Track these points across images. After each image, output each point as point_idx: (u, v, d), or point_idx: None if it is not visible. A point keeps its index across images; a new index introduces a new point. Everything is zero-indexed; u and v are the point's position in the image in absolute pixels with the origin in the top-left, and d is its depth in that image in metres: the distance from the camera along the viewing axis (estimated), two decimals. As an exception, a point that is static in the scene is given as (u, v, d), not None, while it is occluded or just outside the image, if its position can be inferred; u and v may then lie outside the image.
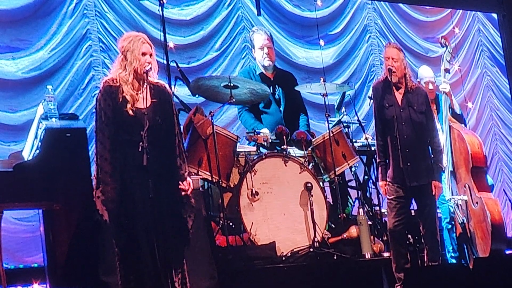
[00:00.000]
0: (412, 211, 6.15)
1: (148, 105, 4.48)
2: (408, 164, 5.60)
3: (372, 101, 6.00)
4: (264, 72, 6.87)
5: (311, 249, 5.90)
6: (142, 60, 4.53)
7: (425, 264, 5.67)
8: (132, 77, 4.53)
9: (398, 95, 5.77)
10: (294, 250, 5.94)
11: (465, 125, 7.14)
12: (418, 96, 5.80)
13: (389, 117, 5.70)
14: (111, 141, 4.46)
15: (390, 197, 5.71)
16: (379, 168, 5.82)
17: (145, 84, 4.52)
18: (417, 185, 5.65)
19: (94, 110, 4.66)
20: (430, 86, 6.88)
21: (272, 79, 6.88)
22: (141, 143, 4.37)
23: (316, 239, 5.96)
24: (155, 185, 4.43)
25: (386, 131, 5.74)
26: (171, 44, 7.28)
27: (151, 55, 4.60)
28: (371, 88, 6.15)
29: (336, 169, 6.42)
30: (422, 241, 5.82)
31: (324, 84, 6.64)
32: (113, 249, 4.49)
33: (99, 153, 4.47)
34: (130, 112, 4.47)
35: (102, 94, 4.53)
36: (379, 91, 5.82)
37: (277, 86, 6.86)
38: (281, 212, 6.13)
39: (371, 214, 6.65)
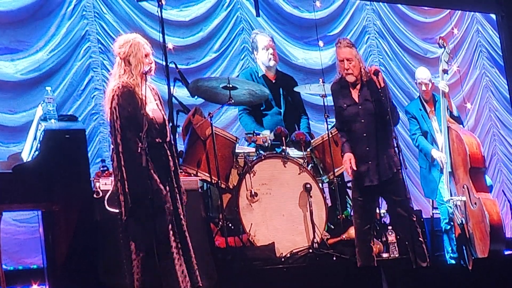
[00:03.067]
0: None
1: (154, 108, 4.61)
2: (370, 162, 5.45)
3: None
4: (266, 73, 6.88)
5: (310, 250, 5.91)
6: (146, 62, 4.63)
7: (413, 266, 5.47)
8: (139, 81, 4.58)
9: (355, 93, 5.59)
10: (293, 251, 5.95)
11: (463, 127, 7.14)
12: (372, 86, 5.55)
13: (348, 117, 5.55)
14: (135, 141, 4.46)
15: (355, 196, 5.59)
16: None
17: (145, 86, 4.58)
18: (387, 179, 5.45)
19: (111, 115, 4.57)
20: (423, 88, 6.88)
21: (273, 81, 6.89)
22: (140, 144, 4.38)
23: (315, 240, 5.97)
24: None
25: (347, 131, 5.58)
26: (170, 45, 7.28)
27: (151, 54, 4.67)
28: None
29: (335, 170, 6.43)
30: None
31: (323, 85, 6.65)
32: (127, 249, 4.48)
33: (125, 152, 4.46)
34: (150, 113, 4.57)
35: (122, 99, 4.51)
36: (336, 92, 5.67)
37: (278, 89, 6.86)
38: (280, 213, 6.14)
39: (370, 215, 6.65)
